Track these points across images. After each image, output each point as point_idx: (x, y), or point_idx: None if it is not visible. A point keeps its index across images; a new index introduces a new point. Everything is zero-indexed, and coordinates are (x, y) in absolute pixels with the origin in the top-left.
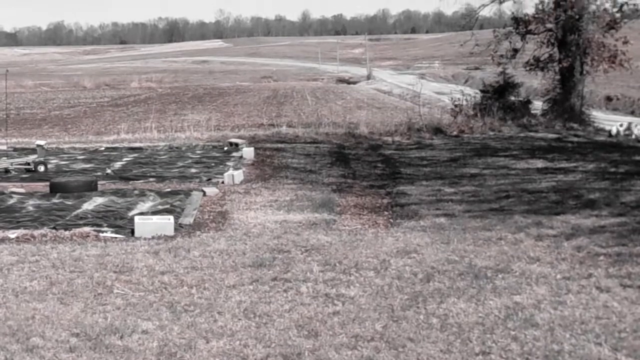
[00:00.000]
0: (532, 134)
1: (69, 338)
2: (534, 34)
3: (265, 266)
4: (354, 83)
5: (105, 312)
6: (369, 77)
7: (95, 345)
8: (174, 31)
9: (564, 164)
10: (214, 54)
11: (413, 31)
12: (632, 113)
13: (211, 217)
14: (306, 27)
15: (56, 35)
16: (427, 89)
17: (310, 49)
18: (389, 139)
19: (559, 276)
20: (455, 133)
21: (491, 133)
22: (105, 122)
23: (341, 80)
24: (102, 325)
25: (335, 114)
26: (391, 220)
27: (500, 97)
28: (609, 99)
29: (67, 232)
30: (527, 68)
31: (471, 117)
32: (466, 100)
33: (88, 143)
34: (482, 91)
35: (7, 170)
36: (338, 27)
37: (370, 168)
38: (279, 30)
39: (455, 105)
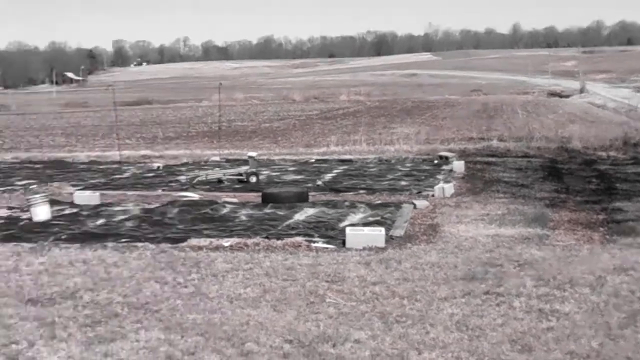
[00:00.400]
0: None
1: (283, 344)
2: None
3: (477, 279)
4: (566, 96)
5: (317, 320)
6: (581, 91)
7: (309, 352)
8: (382, 44)
9: None
10: (422, 67)
11: (629, 42)
12: None
13: (422, 230)
14: (516, 39)
15: (266, 49)
16: None
17: (520, 61)
18: (604, 153)
19: None
20: None
21: None
22: (315, 134)
23: (552, 94)
24: (315, 333)
25: (546, 128)
26: (607, 237)
27: None
28: None
29: (279, 242)
30: None
31: None
32: None
33: (298, 155)
34: None
35: (220, 181)
36: (550, 39)
37: (584, 183)
38: (489, 43)
39: None
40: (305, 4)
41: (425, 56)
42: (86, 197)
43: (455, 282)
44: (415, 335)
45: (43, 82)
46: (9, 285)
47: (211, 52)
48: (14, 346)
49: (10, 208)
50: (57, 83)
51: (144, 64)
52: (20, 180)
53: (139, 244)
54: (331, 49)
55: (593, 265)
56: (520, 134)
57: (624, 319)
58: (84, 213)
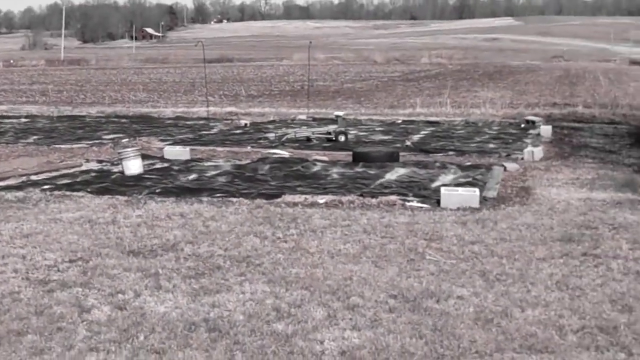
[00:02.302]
0: None
1: (388, 299)
2: None
3: (573, 241)
4: None
5: (419, 277)
6: None
7: (414, 307)
8: (464, 8)
9: None
10: (504, 32)
11: None
12: None
13: (514, 192)
14: (598, 6)
15: (347, 10)
16: None
17: (602, 29)
18: None
19: None
20: None
21: None
22: (398, 96)
23: (635, 62)
24: (418, 289)
25: (630, 96)
26: None
27: None
28: None
29: (374, 200)
30: None
31: None
32: None
33: (383, 116)
34: None
35: (308, 139)
36: (633, 7)
37: None
38: (571, 9)
39: None
40: None
41: (507, 21)
42: (176, 152)
43: (552, 243)
44: (517, 293)
45: (122, 37)
46: (108, 237)
47: (292, 11)
48: (120, 296)
49: (100, 161)
50: (136, 38)
51: (225, 21)
52: (107, 134)
53: (234, 199)
54: (413, 12)
55: None
56: (604, 100)
57: None
58: (175, 168)
